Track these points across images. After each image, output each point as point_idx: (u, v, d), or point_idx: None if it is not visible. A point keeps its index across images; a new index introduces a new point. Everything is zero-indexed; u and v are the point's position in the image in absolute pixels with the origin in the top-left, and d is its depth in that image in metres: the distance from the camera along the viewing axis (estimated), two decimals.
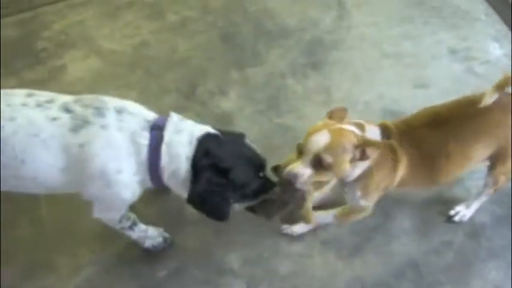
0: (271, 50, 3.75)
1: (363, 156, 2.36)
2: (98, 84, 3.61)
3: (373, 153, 2.36)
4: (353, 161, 2.38)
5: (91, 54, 3.82)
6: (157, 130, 2.38)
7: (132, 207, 2.73)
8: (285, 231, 2.96)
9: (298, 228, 2.96)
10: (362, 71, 3.60)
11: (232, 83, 3.52)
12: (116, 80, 3.62)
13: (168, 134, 2.38)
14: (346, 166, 2.39)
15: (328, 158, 2.32)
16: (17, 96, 2.38)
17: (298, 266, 2.87)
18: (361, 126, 2.45)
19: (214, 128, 2.49)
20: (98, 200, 2.54)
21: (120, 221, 2.68)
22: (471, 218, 2.97)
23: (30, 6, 4.16)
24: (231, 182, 2.37)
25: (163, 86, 3.56)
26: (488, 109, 2.45)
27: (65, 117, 2.32)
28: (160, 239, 2.89)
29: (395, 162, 2.52)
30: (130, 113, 2.40)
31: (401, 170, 2.56)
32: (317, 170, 2.36)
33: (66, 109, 2.34)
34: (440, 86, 3.46)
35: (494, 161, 2.68)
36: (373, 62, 3.65)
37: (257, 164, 2.50)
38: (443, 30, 3.81)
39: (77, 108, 2.34)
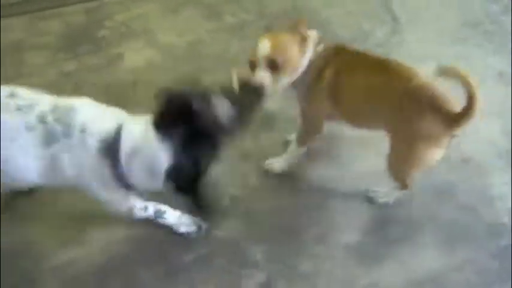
0: None
1: (303, 40, 2.66)
2: (150, 74, 3.75)
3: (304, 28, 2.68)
4: (301, 53, 2.67)
5: (148, 45, 3.97)
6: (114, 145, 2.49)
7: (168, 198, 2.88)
8: (267, 167, 3.17)
9: (276, 165, 3.17)
10: None
11: None
12: (167, 72, 3.74)
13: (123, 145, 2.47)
14: (297, 58, 2.67)
15: (277, 57, 2.60)
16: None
17: (319, 266, 2.92)
18: (306, 38, 2.73)
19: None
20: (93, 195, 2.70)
21: (133, 213, 2.83)
22: (497, 241, 2.99)
23: None
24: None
25: (212, 82, 3.65)
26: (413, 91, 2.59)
27: (39, 129, 2.43)
28: (194, 226, 3.00)
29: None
30: (90, 133, 2.48)
31: (329, 83, 2.74)
32: (273, 72, 2.61)
33: (42, 120, 2.44)
34: (484, 106, 3.47)
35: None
36: None
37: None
38: (494, 54, 3.82)
39: (50, 121, 2.44)
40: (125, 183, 2.57)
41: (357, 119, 2.88)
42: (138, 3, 4.26)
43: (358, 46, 3.69)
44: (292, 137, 3.19)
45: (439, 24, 4.04)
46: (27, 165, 2.47)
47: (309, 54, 2.72)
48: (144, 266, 2.93)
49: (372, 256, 2.96)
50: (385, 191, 3.07)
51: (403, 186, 2.94)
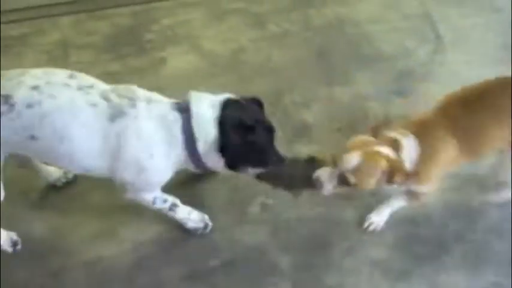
0: (361, 72, 3.83)
1: (390, 180, 2.52)
2: (192, 80, 3.80)
3: (400, 179, 2.51)
4: (379, 182, 2.54)
5: (191, 51, 4.03)
6: (184, 110, 2.57)
7: (197, 200, 3.00)
8: (370, 228, 3.07)
9: (378, 219, 3.07)
10: None
11: (318, 98, 3.63)
12: (209, 78, 3.79)
13: (194, 108, 2.56)
14: (370, 186, 2.57)
15: (352, 179, 2.51)
16: (58, 75, 2.55)
17: (344, 279, 2.93)
18: (397, 144, 2.58)
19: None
20: (129, 184, 2.71)
21: (154, 203, 2.85)
22: None
23: (145, 0, 4.40)
24: (255, 138, 2.56)
25: (251, 90, 3.63)
26: None
27: (104, 105, 2.50)
28: (201, 224, 3.05)
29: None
30: (157, 101, 2.61)
31: (452, 150, 2.67)
32: (341, 184, 2.56)
33: (105, 97, 2.52)
34: None
35: None
36: None
37: (272, 130, 2.67)
38: None
39: (114, 98, 2.52)
40: (190, 148, 2.61)
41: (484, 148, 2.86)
42: (185, 9, 4.32)
43: (400, 63, 3.76)
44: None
45: (481, 46, 4.01)
46: (87, 143, 2.52)
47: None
48: (170, 268, 2.98)
49: (398, 272, 2.95)
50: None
51: None
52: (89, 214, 3.17)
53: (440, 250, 3.02)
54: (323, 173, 2.61)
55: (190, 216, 3.02)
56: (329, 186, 2.60)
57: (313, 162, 2.69)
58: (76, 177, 3.23)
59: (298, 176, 2.75)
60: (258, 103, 2.78)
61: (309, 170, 2.68)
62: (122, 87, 2.61)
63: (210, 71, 3.85)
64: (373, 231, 3.06)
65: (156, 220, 3.11)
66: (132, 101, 2.53)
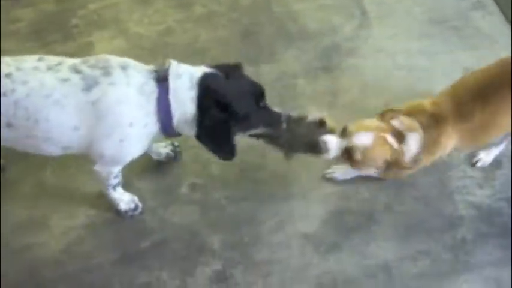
0: (288, 50, 3.84)
1: (387, 170, 2.67)
2: None
3: (396, 171, 2.68)
4: (377, 168, 2.69)
5: (118, 35, 3.98)
6: (162, 80, 2.52)
7: (127, 181, 2.98)
8: (328, 176, 3.19)
9: (341, 173, 3.17)
10: (372, 80, 3.66)
11: None
12: (137, 61, 3.74)
13: (172, 82, 2.52)
14: (370, 170, 2.72)
15: (358, 155, 2.59)
16: (28, 61, 2.51)
17: (275, 254, 2.97)
18: (402, 136, 2.64)
19: (210, 65, 2.65)
20: (107, 156, 2.65)
21: (115, 176, 2.84)
22: (453, 233, 3.03)
23: None
24: (233, 115, 2.51)
25: None
26: None
27: (75, 78, 2.45)
28: (132, 205, 3.05)
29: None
30: (134, 67, 2.55)
31: (453, 143, 2.77)
32: (344, 156, 2.65)
33: (76, 70, 2.47)
34: None
35: None
36: (385, 72, 3.71)
37: (256, 93, 2.62)
38: (461, 50, 3.85)
39: (85, 69, 2.48)
40: (164, 120, 2.57)
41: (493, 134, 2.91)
42: None
43: (327, 40, 3.78)
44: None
45: (407, 21, 4.05)
46: (64, 120, 2.48)
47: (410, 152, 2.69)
48: (101, 252, 2.98)
49: (328, 245, 3.00)
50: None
51: None
52: (18, 203, 3.13)
53: (369, 222, 3.09)
54: (332, 139, 2.63)
55: (123, 197, 3.01)
56: (334, 153, 2.63)
57: (320, 127, 2.66)
58: (4, 167, 3.18)
59: (300, 136, 2.68)
60: (237, 68, 2.72)
61: (313, 132, 2.66)
62: (92, 58, 2.55)
63: (137, 54, 3.78)
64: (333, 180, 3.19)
65: (86, 205, 3.12)
66: (106, 69, 2.48)
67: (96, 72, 2.47)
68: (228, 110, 2.49)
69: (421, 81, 3.64)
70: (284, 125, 2.65)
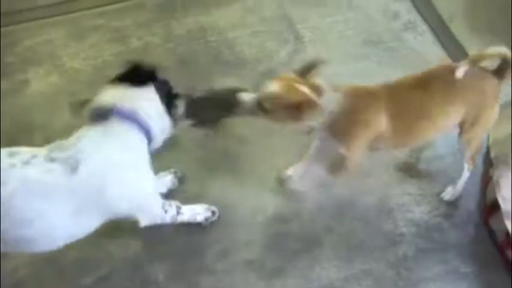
0: (225, 77, 3.85)
1: (301, 114, 2.60)
2: (56, 99, 3.75)
3: (310, 115, 2.62)
4: (292, 117, 2.64)
5: (54, 71, 3.96)
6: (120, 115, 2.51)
7: None
8: (284, 177, 3.28)
9: (293, 174, 3.26)
10: None
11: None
12: (73, 96, 3.73)
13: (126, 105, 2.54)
14: (284, 118, 2.68)
15: (267, 105, 2.64)
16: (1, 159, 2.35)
17: (220, 283, 2.98)
18: (318, 90, 2.66)
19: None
20: (132, 213, 2.65)
21: (166, 212, 2.83)
22: (395, 251, 3.07)
23: (5, 23, 4.29)
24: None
25: None
26: (461, 79, 2.67)
27: (57, 165, 2.33)
28: (209, 213, 3.10)
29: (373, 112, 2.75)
30: (89, 133, 2.49)
31: (380, 125, 2.75)
32: (260, 111, 2.68)
33: (52, 159, 2.35)
34: None
35: (463, 126, 2.87)
36: None
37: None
38: (395, 70, 3.90)
39: (59, 155, 2.37)
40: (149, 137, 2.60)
41: (421, 134, 2.94)
42: (46, 29, 4.24)
43: (263, 66, 3.82)
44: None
45: (342, 44, 4.12)
46: (59, 211, 2.37)
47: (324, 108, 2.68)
48: None
49: (272, 270, 3.02)
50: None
51: (475, 163, 3.13)
52: None
53: (311, 245, 3.12)
54: (246, 95, 2.71)
55: (195, 210, 3.04)
56: (249, 106, 2.69)
57: (235, 92, 2.76)
58: None
59: (221, 105, 2.81)
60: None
61: (231, 98, 2.76)
62: (53, 146, 2.44)
63: (73, 89, 3.81)
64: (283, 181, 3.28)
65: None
66: (72, 147, 2.40)
67: (69, 152, 2.38)
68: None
69: None
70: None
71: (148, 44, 4.12)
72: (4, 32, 4.25)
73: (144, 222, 2.70)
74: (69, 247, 2.87)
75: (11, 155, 2.35)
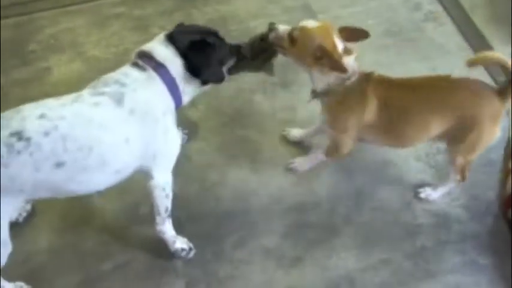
0: None
1: (319, 61, 2.70)
2: (78, 87, 3.75)
3: (328, 65, 2.68)
4: (313, 60, 2.72)
5: (76, 59, 3.99)
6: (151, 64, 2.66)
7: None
8: (290, 166, 3.31)
9: (301, 164, 3.29)
10: None
11: (203, 94, 3.64)
12: None
13: (158, 59, 2.68)
14: (303, 57, 2.77)
15: (296, 35, 2.73)
16: (48, 102, 2.49)
17: (237, 271, 2.99)
18: (348, 51, 2.78)
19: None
20: (158, 156, 2.71)
21: (166, 195, 2.83)
22: (412, 242, 3.07)
23: (27, 11, 4.34)
24: (210, 45, 2.75)
25: None
26: (456, 88, 2.74)
27: (103, 99, 2.50)
28: (186, 246, 3.05)
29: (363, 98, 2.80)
30: (127, 73, 2.65)
31: (369, 112, 2.80)
32: (289, 42, 2.76)
33: (98, 93, 2.53)
34: None
35: (450, 138, 2.86)
36: None
37: (213, 32, 2.88)
38: (415, 61, 3.92)
39: (105, 89, 2.54)
40: (175, 91, 2.73)
41: (409, 136, 2.95)
42: (68, 17, 4.27)
43: (283, 56, 3.81)
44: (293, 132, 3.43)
45: None
46: (113, 139, 2.51)
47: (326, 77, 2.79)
48: (61, 276, 2.97)
49: (290, 259, 3.03)
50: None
51: (464, 177, 3.07)
52: None
53: (330, 234, 3.12)
54: (281, 26, 2.83)
55: (175, 238, 3.01)
56: (280, 35, 2.80)
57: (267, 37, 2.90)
58: None
59: (261, 52, 2.94)
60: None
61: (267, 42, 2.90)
62: (96, 82, 2.64)
63: (95, 77, 3.79)
64: (293, 171, 3.31)
65: (46, 229, 3.12)
66: (117, 82, 2.57)
67: (114, 87, 2.55)
68: (204, 44, 2.72)
69: None
70: (246, 49, 2.92)
71: None
72: (27, 20, 4.29)
73: (155, 180, 2.74)
74: (88, 233, 2.93)
75: (58, 98, 2.52)
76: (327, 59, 2.66)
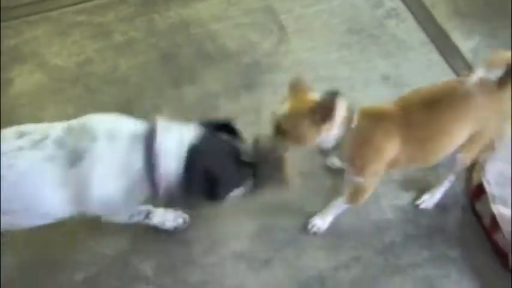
0: (209, 70, 3.87)
1: (323, 119, 2.39)
2: (40, 97, 3.74)
3: (331, 115, 2.38)
4: (316, 125, 2.42)
5: (37, 69, 3.96)
6: (148, 139, 2.37)
7: None
8: (313, 230, 3.13)
9: (320, 222, 3.13)
10: None
11: (167, 100, 3.65)
12: (57, 94, 3.75)
13: (159, 139, 2.37)
14: (307, 132, 2.45)
15: (284, 125, 2.43)
16: (7, 140, 2.31)
17: (209, 275, 2.98)
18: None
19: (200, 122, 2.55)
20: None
21: (131, 218, 2.81)
22: (381, 237, 3.09)
23: None
24: (218, 184, 2.40)
25: (101, 101, 3.69)
26: (472, 92, 2.58)
27: (60, 154, 2.28)
28: (180, 220, 3.08)
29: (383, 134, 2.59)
30: (118, 136, 2.38)
31: (393, 147, 2.62)
32: (282, 137, 2.47)
33: (61, 144, 2.30)
34: None
35: (468, 142, 2.75)
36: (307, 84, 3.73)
37: (238, 155, 2.51)
38: (378, 57, 3.94)
39: (70, 142, 2.31)
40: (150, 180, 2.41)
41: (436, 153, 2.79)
42: (29, 27, 4.24)
43: (246, 58, 3.82)
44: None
45: (325, 33, 4.12)
46: (55, 197, 2.32)
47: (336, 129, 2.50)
48: None
49: (260, 261, 3.02)
50: None
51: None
52: None
53: (299, 234, 3.12)
54: (261, 135, 2.55)
55: (166, 217, 3.02)
56: (270, 139, 2.51)
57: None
58: None
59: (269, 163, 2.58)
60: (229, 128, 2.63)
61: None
62: (77, 126, 2.38)
63: (57, 86, 3.81)
64: (316, 233, 3.14)
65: (13, 244, 3.08)
66: (91, 141, 2.32)
67: (82, 144, 2.31)
68: (213, 181, 2.40)
69: (342, 90, 3.65)
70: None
71: (131, 39, 4.11)
72: None
73: (105, 219, 2.72)
74: (57, 245, 2.90)
75: (20, 136, 2.33)
76: (325, 113, 2.40)
